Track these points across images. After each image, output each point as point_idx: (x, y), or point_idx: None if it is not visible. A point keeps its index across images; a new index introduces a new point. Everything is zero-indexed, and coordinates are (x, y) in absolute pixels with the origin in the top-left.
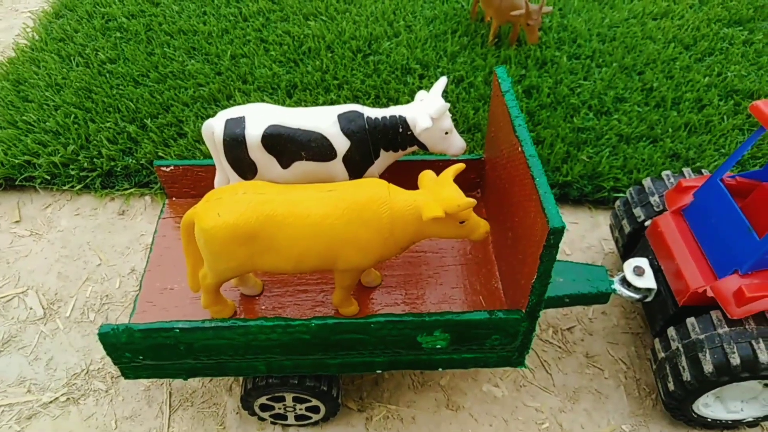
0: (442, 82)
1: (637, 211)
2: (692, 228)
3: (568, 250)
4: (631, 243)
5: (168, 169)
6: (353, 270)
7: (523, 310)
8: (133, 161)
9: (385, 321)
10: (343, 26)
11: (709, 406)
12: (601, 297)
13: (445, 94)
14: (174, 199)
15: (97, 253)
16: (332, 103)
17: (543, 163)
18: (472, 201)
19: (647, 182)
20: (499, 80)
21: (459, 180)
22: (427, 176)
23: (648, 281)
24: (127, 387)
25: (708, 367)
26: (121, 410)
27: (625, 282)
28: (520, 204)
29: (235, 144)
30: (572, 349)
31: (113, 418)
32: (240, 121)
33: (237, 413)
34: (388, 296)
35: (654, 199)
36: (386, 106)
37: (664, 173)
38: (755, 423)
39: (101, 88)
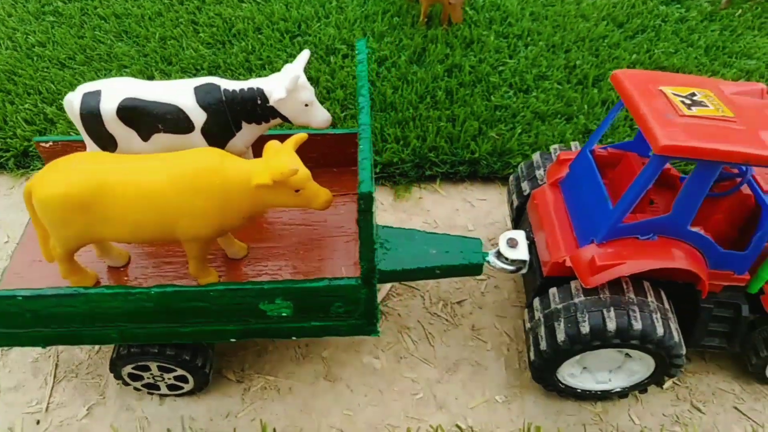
0: (305, 55)
1: (524, 185)
2: (565, 199)
3: (471, 226)
4: (519, 217)
5: (47, 145)
6: (195, 240)
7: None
8: None
9: (225, 289)
10: (275, 8)
11: (576, 377)
12: (473, 268)
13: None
14: None
15: (7, 231)
16: None
17: (454, 140)
18: (296, 169)
19: (536, 156)
20: (357, 51)
21: (341, 154)
22: (270, 146)
23: (520, 253)
24: (16, 359)
25: (561, 336)
26: (6, 381)
27: (501, 254)
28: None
29: (91, 117)
30: (459, 322)
31: None
32: (96, 95)
33: (119, 385)
34: (255, 267)
35: (539, 173)
36: None
37: (552, 147)
38: (624, 393)
39: (25, 71)
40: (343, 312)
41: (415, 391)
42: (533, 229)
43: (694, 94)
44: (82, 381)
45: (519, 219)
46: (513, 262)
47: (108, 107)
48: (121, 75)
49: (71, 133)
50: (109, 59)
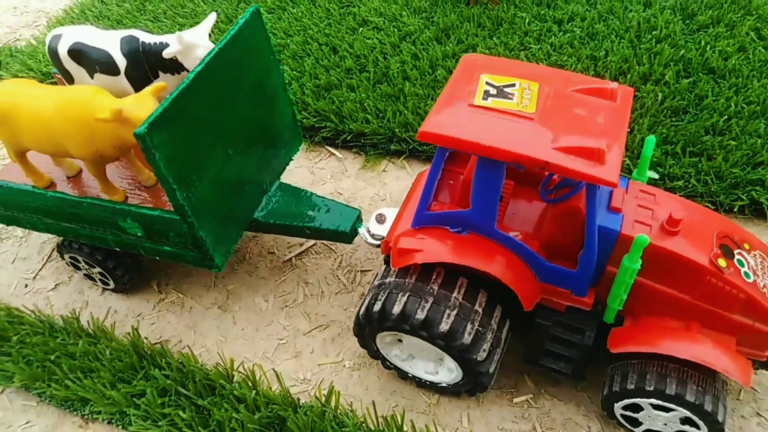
0: (211, 17)
1: None
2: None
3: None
4: None
5: (57, 77)
6: (84, 159)
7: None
8: None
9: (90, 203)
10: None
11: (403, 360)
12: (341, 236)
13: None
14: None
15: None
16: None
17: (415, 124)
18: (118, 109)
19: None
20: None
21: None
22: (141, 92)
23: (384, 230)
24: (33, 239)
25: (362, 309)
26: (21, 252)
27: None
28: None
29: (53, 56)
30: (354, 288)
31: None
32: (58, 38)
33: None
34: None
35: None
36: None
37: None
38: (455, 391)
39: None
40: (179, 242)
41: (281, 337)
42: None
43: (512, 85)
44: (62, 264)
45: None
46: (379, 237)
47: (62, 48)
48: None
49: None
50: (189, 16)
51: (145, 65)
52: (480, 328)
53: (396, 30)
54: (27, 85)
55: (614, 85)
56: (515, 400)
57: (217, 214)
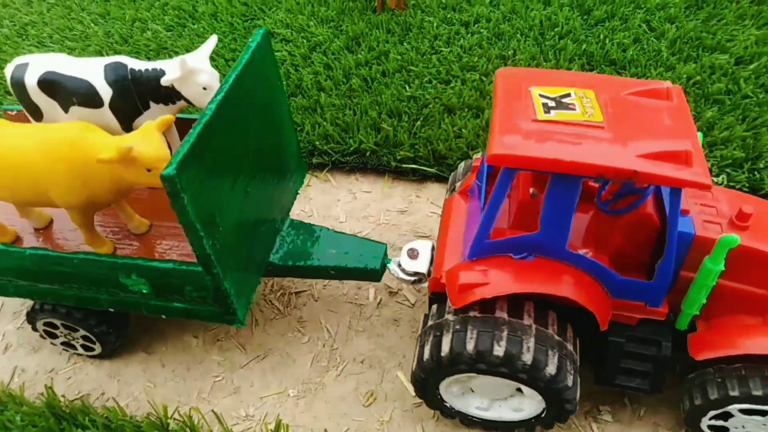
0: (212, 40)
1: (457, 186)
2: (468, 210)
3: (343, 217)
4: None
5: (13, 113)
6: (70, 208)
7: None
8: None
9: (84, 258)
10: None
11: (457, 397)
12: (370, 274)
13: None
14: None
15: None
16: None
17: (349, 129)
18: (130, 147)
19: (462, 165)
20: (252, 39)
21: None
22: (143, 126)
23: (419, 265)
24: None
25: (425, 354)
26: None
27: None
28: None
29: (19, 87)
30: (290, 312)
31: None
32: (24, 67)
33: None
34: (165, 245)
35: (458, 184)
36: None
37: (475, 156)
38: (509, 427)
39: (11, 48)
40: (197, 297)
41: (216, 374)
42: (438, 239)
43: (568, 95)
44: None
45: None
46: (415, 273)
47: (31, 79)
48: (84, 54)
49: None
50: (79, 39)
51: (134, 95)
52: (561, 355)
53: (305, 41)
54: None
55: (668, 84)
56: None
57: (240, 261)
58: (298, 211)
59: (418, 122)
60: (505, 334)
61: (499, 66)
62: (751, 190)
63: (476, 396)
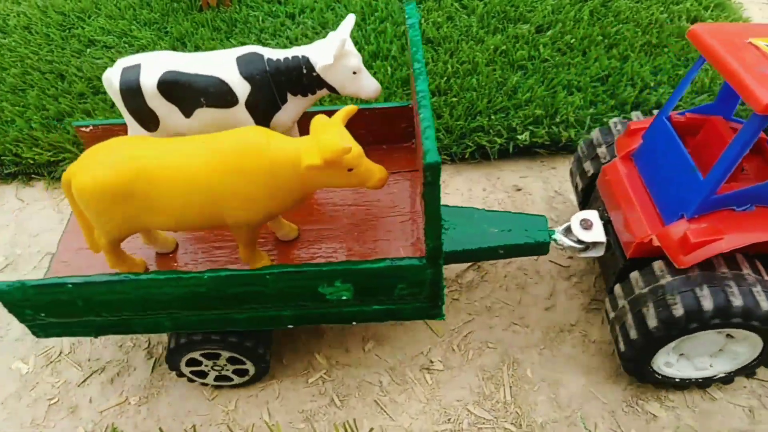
0: (350, 19)
1: (587, 165)
2: (641, 173)
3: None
4: (587, 199)
5: (87, 130)
6: (244, 225)
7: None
8: None
9: (281, 272)
10: (55, 1)
11: (673, 365)
12: (539, 247)
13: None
14: None
15: None
16: None
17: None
18: (349, 147)
19: (595, 133)
20: (407, 15)
21: (391, 130)
22: (317, 121)
23: (596, 235)
24: None
25: (652, 322)
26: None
27: (569, 233)
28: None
29: (132, 93)
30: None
31: None
32: (135, 69)
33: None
34: (308, 250)
35: (601, 150)
36: None
37: (611, 121)
38: (729, 378)
39: None
40: (407, 294)
41: (51, 396)
42: (608, 208)
43: None
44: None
45: (587, 201)
46: (583, 241)
47: (148, 81)
48: None
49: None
50: None
51: (273, 89)
52: None
53: (128, 46)
54: (147, 142)
55: None
56: (310, 380)
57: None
58: None
59: None
60: (734, 286)
61: None
62: (551, 142)
63: (687, 359)
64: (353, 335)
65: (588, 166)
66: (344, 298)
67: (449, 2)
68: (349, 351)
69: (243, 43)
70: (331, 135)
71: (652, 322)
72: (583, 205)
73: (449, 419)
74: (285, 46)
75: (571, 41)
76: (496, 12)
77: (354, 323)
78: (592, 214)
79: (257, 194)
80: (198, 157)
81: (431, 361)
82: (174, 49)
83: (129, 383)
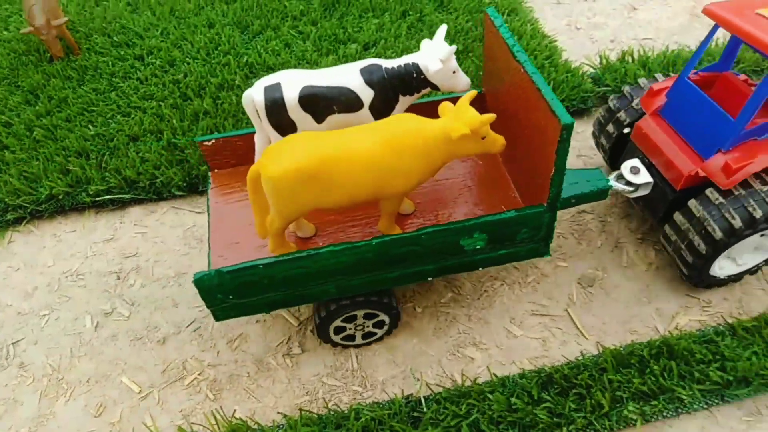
0: (443, 29)
1: (610, 127)
2: (672, 124)
3: (51, 261)
4: (614, 155)
5: (209, 143)
6: (399, 195)
7: (545, 203)
8: None
9: (434, 231)
10: None
11: (724, 268)
12: (601, 194)
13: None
14: (216, 170)
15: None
16: None
17: (37, 179)
18: (493, 116)
19: (612, 101)
20: (492, 18)
21: None
22: (446, 106)
23: (645, 177)
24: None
25: (717, 234)
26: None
27: (620, 179)
28: (528, 118)
29: (276, 108)
30: (9, 363)
31: None
32: (277, 87)
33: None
34: (420, 220)
35: (621, 115)
36: None
37: (640, 80)
38: (756, 269)
39: None
40: (527, 237)
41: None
42: (648, 155)
43: None
44: None
45: (615, 156)
46: (632, 184)
47: (291, 96)
48: None
49: None
50: None
51: (390, 93)
52: None
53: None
54: (321, 135)
55: None
56: (186, 382)
57: None
58: (4, 268)
59: (106, 156)
60: None
61: (174, 91)
62: None
63: (731, 260)
64: (221, 338)
65: (611, 128)
66: (478, 246)
67: (286, 30)
68: (220, 352)
69: (96, 89)
70: (468, 112)
71: (717, 234)
72: (612, 159)
73: (307, 392)
74: (136, 87)
75: (392, 55)
76: (327, 35)
77: (480, 269)
78: (637, 162)
79: (415, 168)
80: (369, 142)
81: (291, 347)
82: (28, 102)
83: (17, 417)
